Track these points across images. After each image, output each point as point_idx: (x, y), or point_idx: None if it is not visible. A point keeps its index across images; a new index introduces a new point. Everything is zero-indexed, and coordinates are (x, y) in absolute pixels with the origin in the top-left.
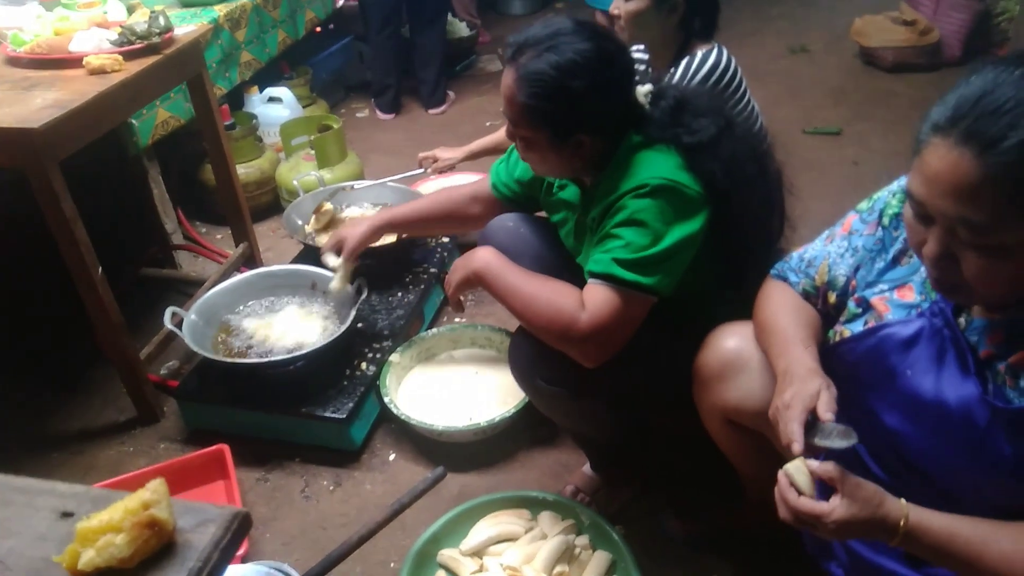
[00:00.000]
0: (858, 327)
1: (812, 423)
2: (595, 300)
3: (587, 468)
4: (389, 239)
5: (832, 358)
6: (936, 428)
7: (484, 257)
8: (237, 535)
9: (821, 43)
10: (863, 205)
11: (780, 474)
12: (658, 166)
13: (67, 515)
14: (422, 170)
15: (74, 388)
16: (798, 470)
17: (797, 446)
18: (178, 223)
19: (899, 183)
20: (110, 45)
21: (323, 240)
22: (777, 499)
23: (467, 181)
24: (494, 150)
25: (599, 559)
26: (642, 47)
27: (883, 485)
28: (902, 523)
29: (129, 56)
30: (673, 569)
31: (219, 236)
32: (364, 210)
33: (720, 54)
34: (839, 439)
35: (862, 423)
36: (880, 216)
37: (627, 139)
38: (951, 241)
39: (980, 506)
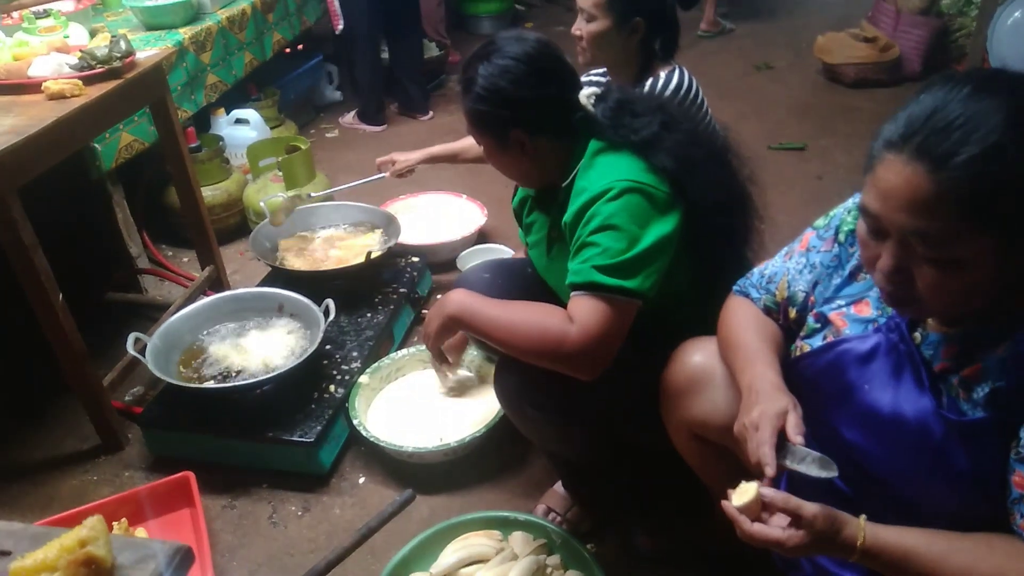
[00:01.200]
0: (817, 342)
1: (782, 444)
2: (582, 311)
3: (558, 487)
4: (358, 259)
5: (792, 373)
6: (894, 442)
7: (456, 299)
8: (179, 570)
9: (785, 60)
10: (820, 222)
11: (726, 505)
12: (621, 169)
13: (4, 554)
14: (381, 175)
15: (35, 416)
16: (743, 494)
17: (770, 470)
18: (143, 246)
19: (853, 200)
20: (70, 70)
21: (293, 262)
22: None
23: (434, 201)
24: (452, 157)
25: None
26: (603, 70)
27: (845, 497)
28: (859, 543)
29: (89, 81)
30: None
31: (185, 259)
32: (337, 230)
33: (682, 75)
34: (816, 467)
35: (822, 436)
36: (836, 233)
37: (587, 145)
38: (905, 255)
39: (940, 517)
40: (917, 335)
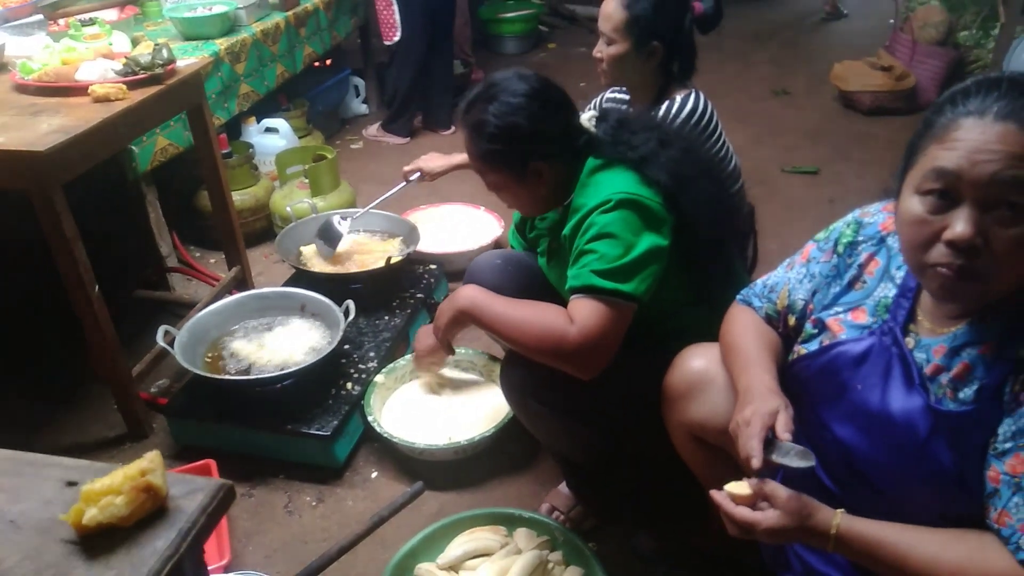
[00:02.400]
0: (814, 346)
1: (771, 441)
2: (581, 312)
3: (563, 487)
4: (378, 264)
5: (789, 375)
6: (882, 439)
7: (468, 294)
8: (222, 503)
9: (802, 87)
10: (820, 235)
11: (714, 492)
12: (618, 183)
13: (72, 484)
14: (405, 184)
15: (65, 404)
16: (737, 487)
17: (756, 461)
18: (173, 247)
19: (853, 215)
20: (115, 75)
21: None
22: (722, 515)
23: (453, 212)
24: None
25: (571, 574)
26: (623, 88)
27: (833, 496)
28: (832, 530)
29: (133, 86)
30: None
31: (212, 260)
32: (359, 237)
33: (697, 99)
34: (796, 459)
35: (815, 435)
36: (835, 245)
37: (586, 163)
38: (983, 218)
39: (925, 514)
40: (910, 340)
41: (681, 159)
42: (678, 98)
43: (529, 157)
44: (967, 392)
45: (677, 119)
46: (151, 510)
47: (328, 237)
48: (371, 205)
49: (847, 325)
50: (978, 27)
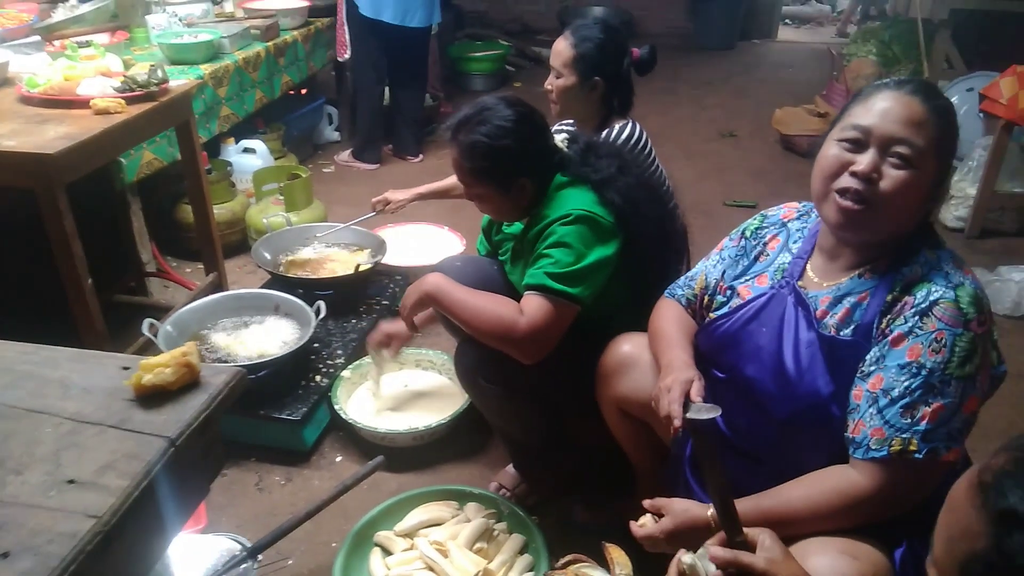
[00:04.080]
0: (725, 310)
1: (686, 404)
2: (531, 307)
3: (510, 468)
4: (347, 271)
5: (704, 334)
6: (774, 369)
7: (433, 280)
8: (240, 383)
9: (748, 130)
10: (732, 233)
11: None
12: (578, 200)
13: (126, 368)
14: (374, 213)
15: None
16: (643, 519)
17: (677, 421)
18: (152, 256)
19: (758, 214)
20: (113, 91)
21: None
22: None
23: (418, 230)
24: (442, 194)
25: (514, 539)
26: (571, 121)
27: (728, 441)
28: (711, 517)
29: (129, 101)
30: (576, 549)
31: (188, 270)
32: (331, 249)
33: (634, 127)
34: (705, 412)
35: (728, 376)
36: (743, 232)
37: (554, 179)
38: (879, 161)
39: (815, 453)
40: (803, 296)
41: (635, 185)
42: (616, 126)
43: (515, 173)
44: (846, 332)
45: (616, 143)
46: (189, 381)
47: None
48: (346, 225)
49: (753, 289)
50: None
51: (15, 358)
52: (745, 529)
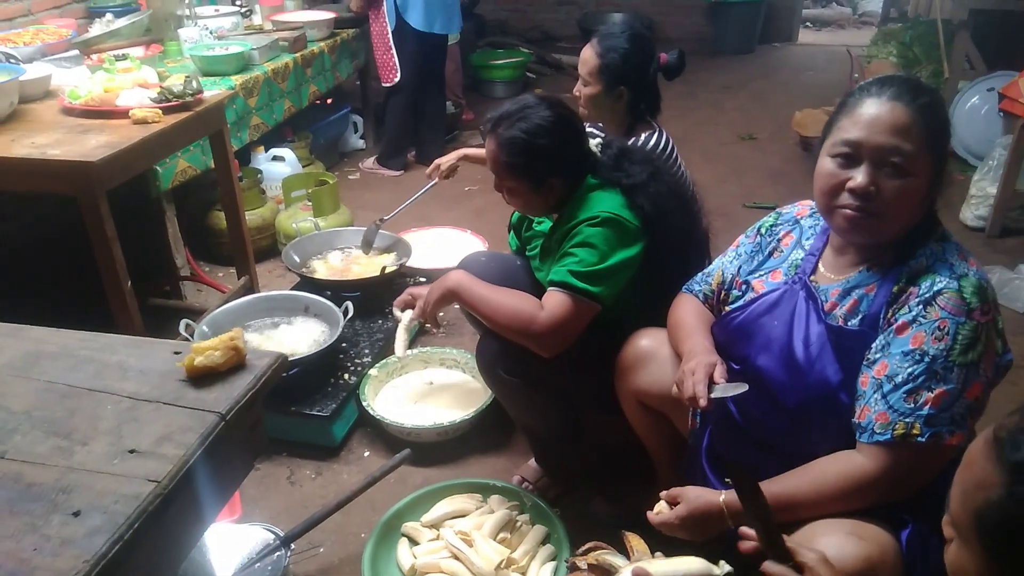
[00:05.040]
0: (740, 303)
1: (710, 386)
2: (552, 302)
3: (532, 462)
4: (372, 274)
5: (720, 326)
6: (785, 360)
7: (456, 277)
8: (282, 366)
9: (767, 132)
10: (748, 230)
11: (650, 515)
12: (607, 203)
13: (177, 353)
14: (434, 181)
15: None
16: (658, 507)
17: (703, 400)
18: (186, 260)
19: (772, 212)
20: (150, 102)
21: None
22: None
23: (441, 233)
24: (482, 160)
25: (537, 530)
26: (600, 125)
27: (737, 425)
28: (722, 504)
29: (166, 111)
30: (596, 539)
31: (220, 275)
32: (358, 251)
33: (660, 135)
34: (731, 390)
35: (742, 368)
36: (759, 229)
37: (585, 180)
38: (875, 173)
39: (824, 438)
40: (813, 290)
41: (666, 193)
42: (643, 135)
43: (548, 172)
44: (854, 322)
45: (653, 152)
46: (236, 363)
47: (367, 241)
48: (403, 205)
49: (767, 284)
50: (926, 80)
51: (76, 345)
52: (791, 546)
